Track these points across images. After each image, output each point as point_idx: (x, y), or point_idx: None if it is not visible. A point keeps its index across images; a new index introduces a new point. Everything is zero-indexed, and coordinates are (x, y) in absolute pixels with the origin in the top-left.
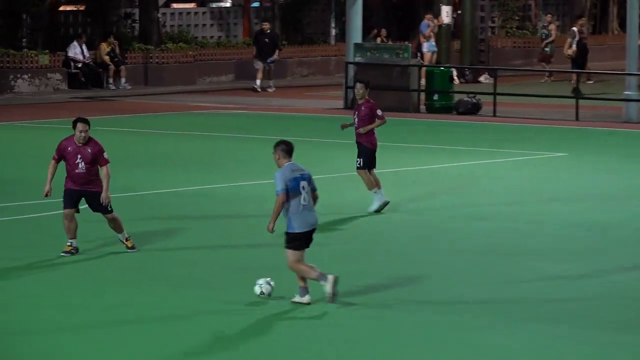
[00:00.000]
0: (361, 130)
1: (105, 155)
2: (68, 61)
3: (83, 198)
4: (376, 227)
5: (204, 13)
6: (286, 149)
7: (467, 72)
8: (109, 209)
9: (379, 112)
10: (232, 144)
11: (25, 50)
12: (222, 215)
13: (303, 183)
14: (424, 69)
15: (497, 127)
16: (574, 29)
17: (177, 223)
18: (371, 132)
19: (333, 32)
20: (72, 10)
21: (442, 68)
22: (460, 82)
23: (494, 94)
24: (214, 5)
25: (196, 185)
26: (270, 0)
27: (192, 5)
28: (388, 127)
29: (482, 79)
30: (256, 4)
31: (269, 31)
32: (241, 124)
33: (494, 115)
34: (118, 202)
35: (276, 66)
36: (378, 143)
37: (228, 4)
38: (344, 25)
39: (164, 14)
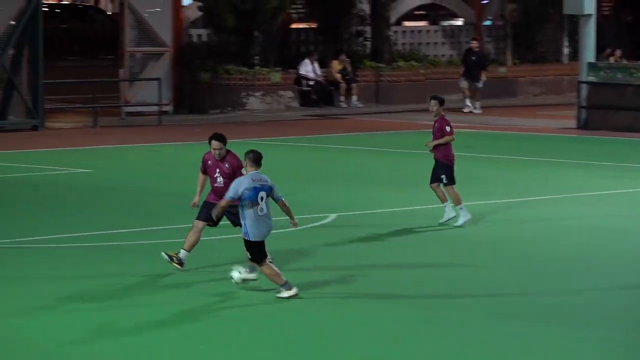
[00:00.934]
0: (429, 145)
1: (243, 170)
2: (299, 79)
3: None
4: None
5: (435, 31)
6: (253, 157)
7: None
8: None
9: (448, 128)
10: (461, 162)
11: (257, 67)
12: (442, 235)
13: (262, 194)
14: None
15: None
16: None
17: (379, 243)
18: (447, 147)
19: (565, 51)
20: (304, 28)
21: None
22: None
23: None
24: (446, 23)
25: (418, 205)
26: (502, 18)
27: (423, 23)
28: (624, 147)
29: None
30: (488, 23)
31: (477, 50)
32: (470, 143)
33: None
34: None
35: (508, 85)
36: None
37: (460, 23)
38: (577, 44)
39: (395, 32)
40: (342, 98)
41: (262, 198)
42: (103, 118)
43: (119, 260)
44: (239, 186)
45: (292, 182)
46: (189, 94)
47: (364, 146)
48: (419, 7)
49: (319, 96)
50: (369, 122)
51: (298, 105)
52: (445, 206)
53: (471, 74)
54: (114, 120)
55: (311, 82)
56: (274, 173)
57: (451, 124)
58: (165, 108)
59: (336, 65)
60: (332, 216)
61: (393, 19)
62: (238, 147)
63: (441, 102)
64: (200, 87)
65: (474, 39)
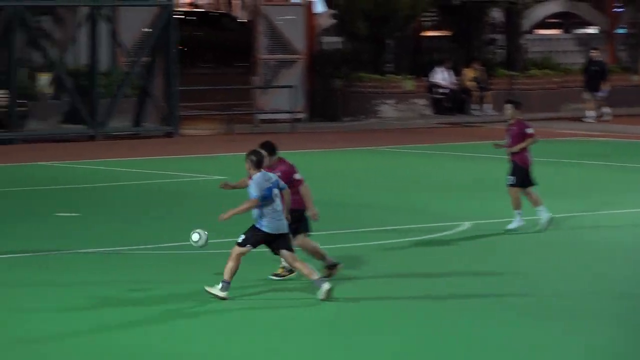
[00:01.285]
0: (514, 148)
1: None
2: (432, 87)
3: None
4: None
5: (568, 39)
6: (255, 160)
7: None
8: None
9: (529, 130)
10: (594, 171)
11: (390, 75)
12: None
13: (275, 191)
14: None
15: None
16: None
17: (513, 250)
18: (524, 150)
19: None
20: (437, 36)
21: None
22: None
23: None
24: (579, 31)
25: (557, 213)
26: (635, 26)
27: (557, 31)
28: None
29: None
30: (622, 31)
31: (598, 59)
32: (606, 152)
33: None
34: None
35: None
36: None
37: (593, 31)
38: None
39: (528, 39)
40: (475, 106)
41: (276, 195)
42: (237, 125)
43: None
44: (261, 186)
45: (425, 190)
46: (322, 102)
47: (497, 154)
48: (553, 15)
49: (452, 104)
50: (502, 130)
51: (431, 113)
52: (540, 210)
53: (592, 84)
54: (247, 127)
55: (444, 90)
56: (408, 181)
57: (530, 125)
58: (298, 115)
59: (469, 73)
60: (467, 224)
61: (526, 27)
62: (370, 154)
63: (516, 105)
64: (333, 95)
65: (594, 49)
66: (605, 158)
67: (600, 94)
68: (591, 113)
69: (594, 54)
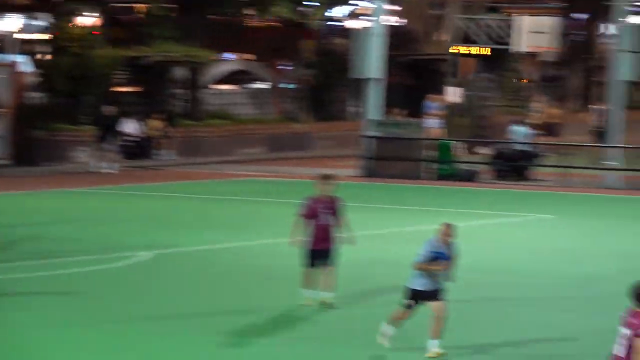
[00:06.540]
0: None
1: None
2: (122, 135)
3: None
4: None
5: (242, 93)
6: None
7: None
8: None
9: None
10: (260, 207)
11: (84, 125)
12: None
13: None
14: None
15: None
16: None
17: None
18: None
19: (353, 109)
20: (128, 92)
21: (446, 141)
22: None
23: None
24: (251, 86)
25: (233, 242)
26: (301, 81)
27: (233, 86)
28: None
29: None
30: (289, 85)
31: (110, 114)
32: (268, 190)
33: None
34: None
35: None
36: None
37: (263, 85)
38: (363, 103)
39: (207, 94)
40: (158, 151)
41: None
42: None
43: None
44: (430, 247)
45: (106, 224)
46: (26, 149)
47: (181, 193)
48: (230, 73)
49: (139, 150)
50: (183, 173)
51: (121, 158)
52: None
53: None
54: None
55: (134, 138)
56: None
57: None
58: (3, 162)
59: (154, 123)
60: (145, 254)
61: (206, 83)
62: (60, 195)
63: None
64: (35, 143)
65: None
66: (266, 195)
67: (108, 146)
68: (103, 164)
69: (107, 110)
